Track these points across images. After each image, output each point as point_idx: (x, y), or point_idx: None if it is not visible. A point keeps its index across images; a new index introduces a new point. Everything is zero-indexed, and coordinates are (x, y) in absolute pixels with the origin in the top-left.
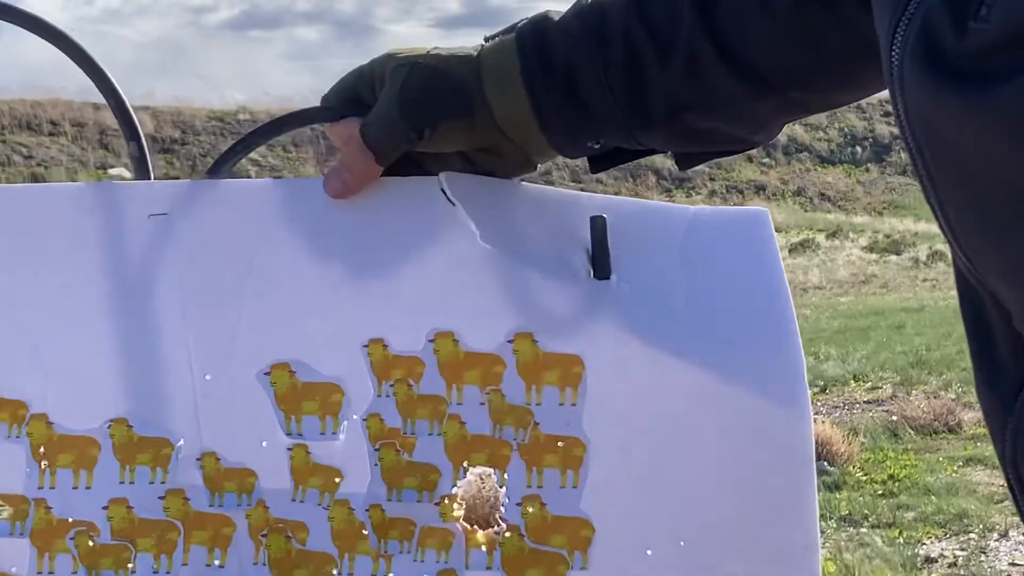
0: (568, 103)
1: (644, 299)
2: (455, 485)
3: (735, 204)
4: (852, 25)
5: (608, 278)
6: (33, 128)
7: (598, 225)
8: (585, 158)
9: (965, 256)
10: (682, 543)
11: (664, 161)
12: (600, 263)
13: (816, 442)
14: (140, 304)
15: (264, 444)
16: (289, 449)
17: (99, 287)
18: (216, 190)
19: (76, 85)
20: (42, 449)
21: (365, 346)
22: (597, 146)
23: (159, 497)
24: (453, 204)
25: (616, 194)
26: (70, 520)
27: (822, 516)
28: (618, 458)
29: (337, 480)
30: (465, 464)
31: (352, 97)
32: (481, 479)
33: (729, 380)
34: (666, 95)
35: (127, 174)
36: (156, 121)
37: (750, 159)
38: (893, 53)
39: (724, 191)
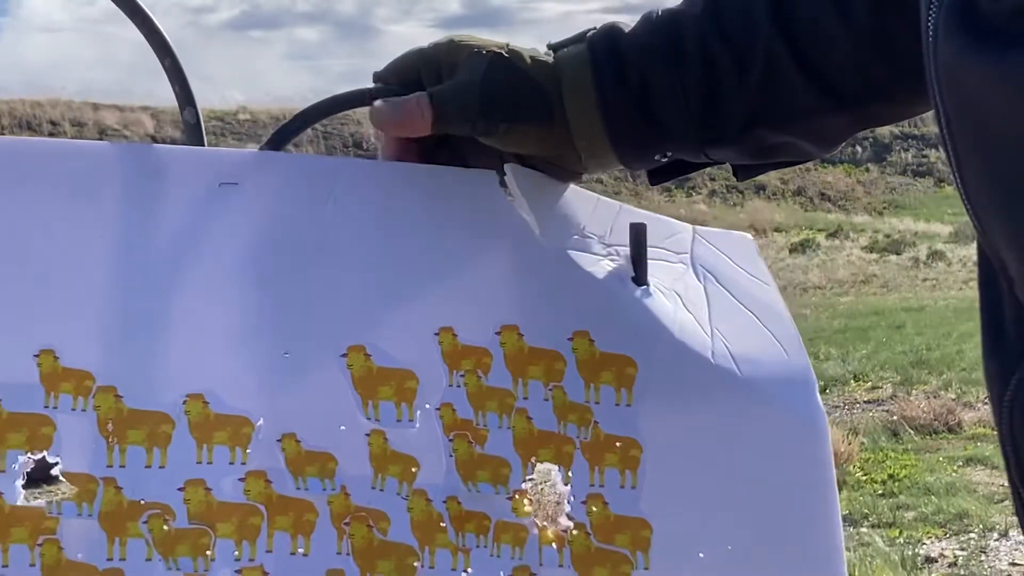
0: (641, 117)
1: (680, 309)
2: (525, 480)
3: (735, 204)
4: None
5: (646, 284)
6: (33, 128)
7: (639, 232)
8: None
9: (977, 220)
10: (729, 547)
11: None
12: (639, 269)
13: None
14: (213, 275)
15: (343, 428)
16: (367, 435)
17: (170, 255)
18: (288, 163)
19: (76, 85)
20: (110, 425)
21: (436, 334)
22: (664, 159)
23: (239, 479)
24: (510, 198)
25: (616, 194)
26: (142, 502)
27: None
28: (672, 460)
29: (414, 470)
30: (533, 459)
31: (413, 79)
32: (548, 475)
33: (753, 394)
34: (742, 110)
35: None
36: (156, 121)
37: None
38: (930, 16)
39: (724, 191)
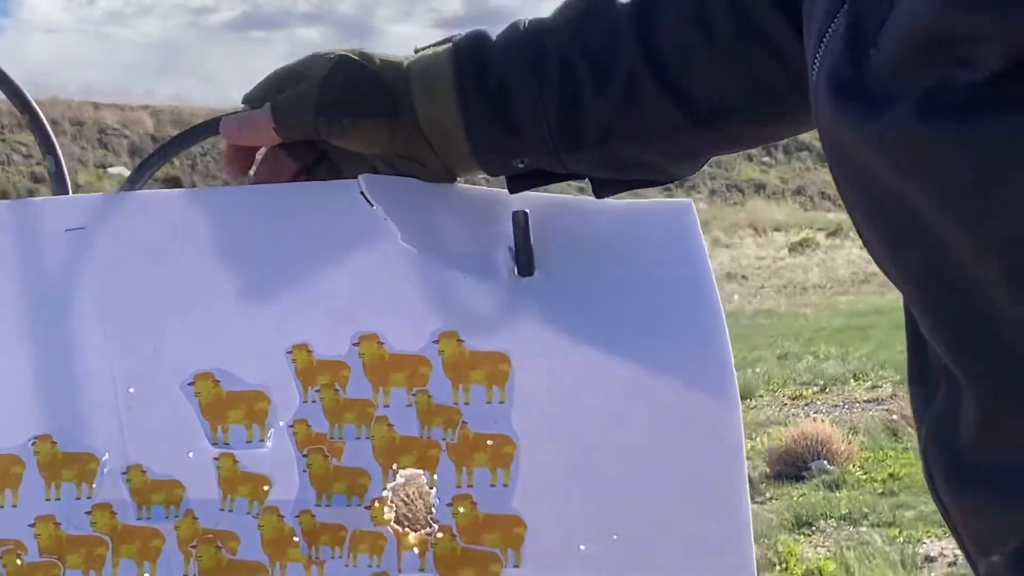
0: (499, 120)
1: (569, 295)
2: (385, 488)
3: (735, 203)
4: (789, 56)
5: (532, 275)
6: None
7: (520, 221)
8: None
9: (878, 263)
10: (615, 537)
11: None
12: (523, 260)
13: (816, 441)
14: (60, 320)
15: (190, 455)
16: (216, 459)
17: (17, 304)
18: (132, 202)
19: (76, 85)
20: None
21: (289, 352)
22: (521, 166)
23: (86, 512)
24: (372, 205)
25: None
26: None
27: (823, 515)
28: (548, 454)
29: (266, 488)
30: (394, 466)
31: (275, 96)
32: (410, 481)
33: (656, 374)
34: (600, 120)
35: (128, 173)
36: (155, 120)
37: (750, 158)
38: (812, 73)
39: (724, 190)
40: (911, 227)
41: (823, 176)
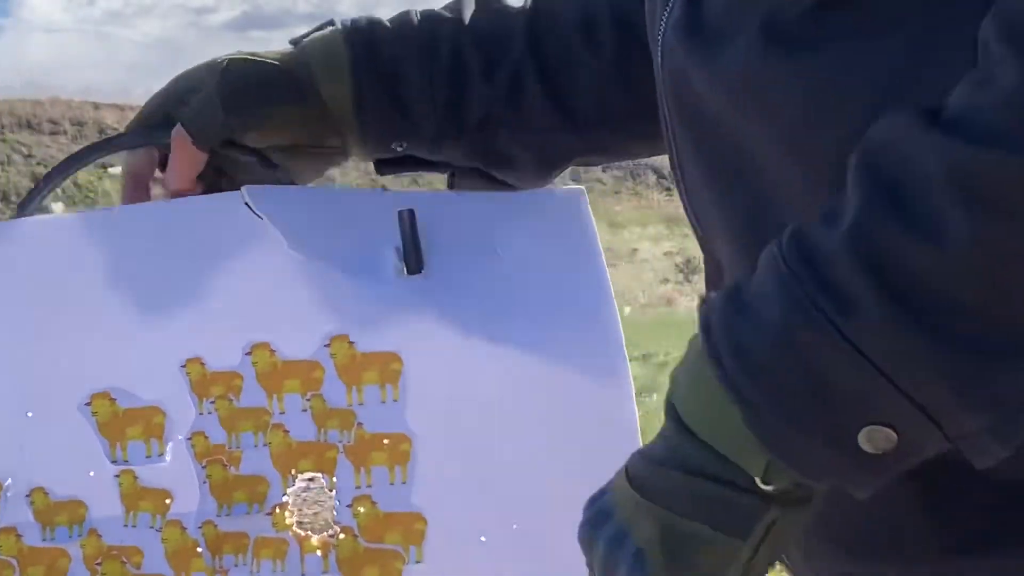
0: (389, 100)
1: (459, 290)
2: (285, 494)
3: None
4: None
5: (420, 272)
6: (33, 128)
7: (406, 220)
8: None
9: (696, 220)
10: (515, 526)
11: (664, 161)
12: (411, 258)
13: None
14: None
15: (91, 474)
16: (117, 476)
17: None
18: (19, 229)
19: (76, 85)
20: None
21: (183, 366)
22: (400, 149)
23: None
24: (259, 217)
25: (616, 192)
26: None
27: None
28: (445, 449)
29: (168, 501)
30: (293, 472)
31: (159, 121)
32: (309, 484)
33: (549, 362)
34: (482, 106)
35: None
36: None
37: None
38: (658, 31)
39: None
40: (741, 164)
41: None
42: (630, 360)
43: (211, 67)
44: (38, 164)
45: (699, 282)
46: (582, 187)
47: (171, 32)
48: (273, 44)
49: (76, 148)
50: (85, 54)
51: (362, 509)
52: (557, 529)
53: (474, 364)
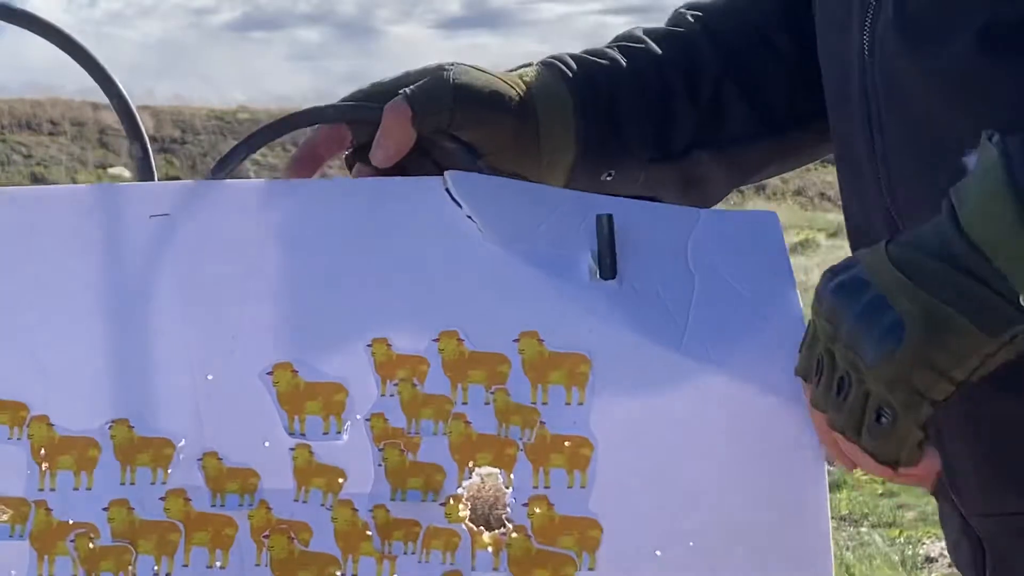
0: (609, 126)
1: (651, 299)
2: (460, 485)
3: (735, 204)
4: None
5: (614, 278)
6: (33, 128)
7: (604, 224)
8: None
9: (890, 192)
10: (691, 544)
11: None
12: (606, 263)
13: None
14: (141, 305)
15: (267, 444)
16: (292, 449)
17: (99, 288)
18: (217, 191)
19: (76, 85)
20: (43, 451)
21: (369, 345)
22: (608, 179)
23: (160, 498)
24: (459, 204)
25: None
26: (70, 522)
27: None
28: (626, 458)
29: (341, 480)
30: (470, 464)
31: (379, 98)
32: (485, 480)
33: (736, 379)
34: (688, 130)
35: (127, 174)
36: (156, 120)
37: None
38: (864, 26)
39: None
40: (957, 158)
41: (823, 176)
42: None
43: (441, 65)
44: (38, 164)
45: None
46: (774, 211)
47: (172, 33)
48: (273, 44)
49: (76, 148)
50: None
51: (538, 510)
52: (733, 550)
53: (662, 376)
